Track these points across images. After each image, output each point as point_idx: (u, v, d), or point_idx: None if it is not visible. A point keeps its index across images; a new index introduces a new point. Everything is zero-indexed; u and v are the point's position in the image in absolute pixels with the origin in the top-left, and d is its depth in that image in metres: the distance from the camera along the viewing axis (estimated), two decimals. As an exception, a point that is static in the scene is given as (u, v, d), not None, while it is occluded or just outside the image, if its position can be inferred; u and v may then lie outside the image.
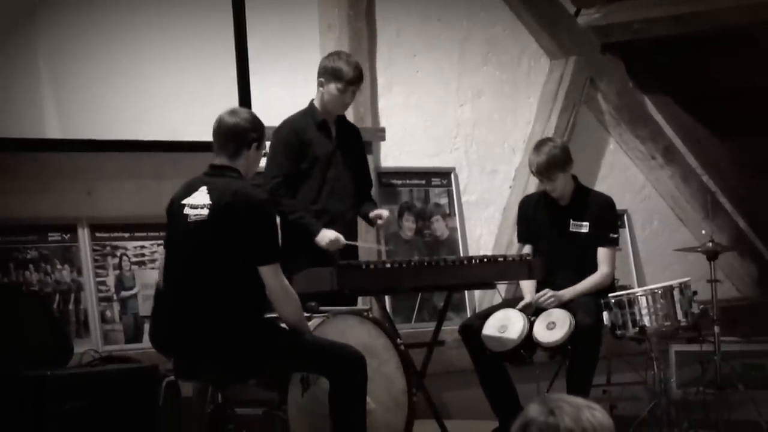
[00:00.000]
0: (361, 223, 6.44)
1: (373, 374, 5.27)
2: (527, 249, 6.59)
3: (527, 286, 6.49)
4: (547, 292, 6.35)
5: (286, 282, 4.99)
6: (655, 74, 8.90)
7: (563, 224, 6.55)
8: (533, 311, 6.38)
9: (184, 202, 5.00)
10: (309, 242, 5.98)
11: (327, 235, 5.95)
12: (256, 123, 5.08)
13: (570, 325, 6.20)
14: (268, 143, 6.16)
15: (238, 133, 5.01)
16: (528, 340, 6.26)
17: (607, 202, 6.64)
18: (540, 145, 6.53)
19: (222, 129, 5.04)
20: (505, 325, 6.29)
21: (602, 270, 6.50)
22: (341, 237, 5.97)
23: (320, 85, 6.15)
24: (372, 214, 6.19)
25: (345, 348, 5.08)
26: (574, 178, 6.59)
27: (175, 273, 5.01)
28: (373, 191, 7.24)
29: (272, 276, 4.90)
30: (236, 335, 4.87)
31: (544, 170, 6.39)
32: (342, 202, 6.18)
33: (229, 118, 5.04)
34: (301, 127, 6.12)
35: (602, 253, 6.52)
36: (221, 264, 4.88)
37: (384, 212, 6.21)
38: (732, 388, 6.64)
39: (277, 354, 4.98)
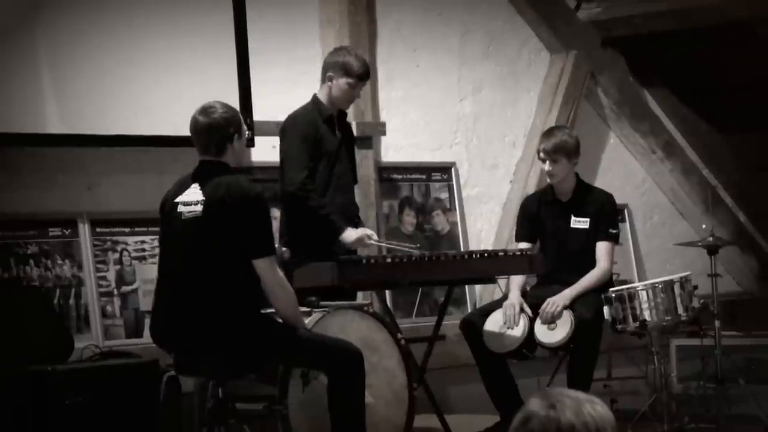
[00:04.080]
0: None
1: (373, 369, 5.28)
2: (523, 245, 6.57)
3: (516, 280, 6.48)
4: (547, 305, 6.31)
5: (281, 275, 4.99)
6: (656, 68, 8.90)
7: (565, 221, 6.56)
8: (529, 304, 6.38)
9: (177, 200, 4.99)
10: (311, 237, 5.99)
11: (353, 234, 5.96)
12: (229, 116, 5.01)
13: (571, 324, 6.21)
14: (283, 136, 6.18)
15: (215, 131, 4.97)
16: (529, 339, 6.26)
17: (607, 199, 6.66)
18: (553, 128, 6.77)
19: (199, 131, 4.99)
20: (506, 325, 6.31)
21: (601, 265, 6.50)
22: (367, 234, 5.98)
23: (329, 79, 6.14)
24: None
25: (343, 343, 5.08)
26: (576, 175, 6.61)
27: (172, 270, 5.00)
28: (374, 186, 7.27)
29: (267, 269, 4.89)
30: (233, 330, 4.87)
31: (551, 150, 6.42)
32: (345, 196, 6.20)
33: (203, 119, 4.98)
34: (314, 121, 6.12)
35: (601, 247, 6.53)
36: (217, 259, 4.87)
37: (373, 235, 6.22)
38: (732, 383, 6.64)
39: (275, 349, 4.98)
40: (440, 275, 6.06)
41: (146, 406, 5.60)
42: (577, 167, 6.60)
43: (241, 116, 5.12)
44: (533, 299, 6.43)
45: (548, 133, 6.60)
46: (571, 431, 2.42)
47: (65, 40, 6.16)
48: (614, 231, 6.59)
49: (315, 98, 6.21)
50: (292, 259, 5.67)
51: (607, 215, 6.61)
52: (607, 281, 6.52)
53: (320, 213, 6.00)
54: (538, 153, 6.60)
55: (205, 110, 5.01)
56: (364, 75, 6.14)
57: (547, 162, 6.48)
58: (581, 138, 6.68)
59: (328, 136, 6.14)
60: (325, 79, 6.16)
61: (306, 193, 5.94)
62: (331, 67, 6.14)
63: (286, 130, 6.14)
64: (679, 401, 6.61)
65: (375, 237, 6.07)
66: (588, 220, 6.55)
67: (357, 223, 6.22)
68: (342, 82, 6.11)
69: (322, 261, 5.75)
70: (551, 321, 6.28)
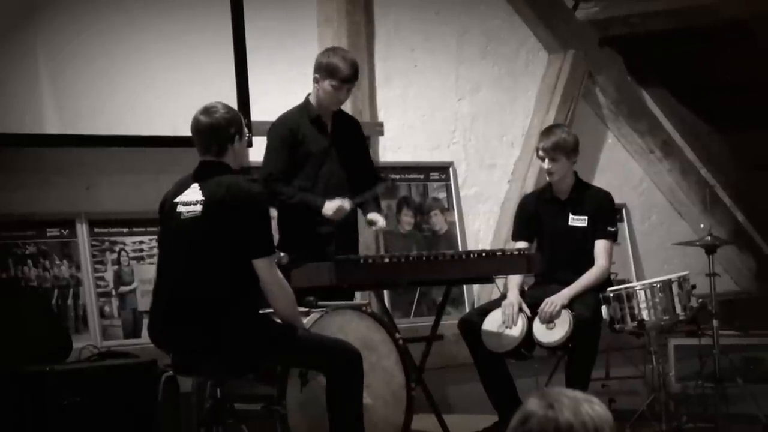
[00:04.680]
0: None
1: (372, 369, 5.28)
2: (520, 245, 6.57)
3: (514, 280, 6.48)
4: (546, 304, 6.31)
5: (281, 275, 4.99)
6: (654, 68, 8.90)
7: (563, 219, 6.56)
8: (528, 304, 6.38)
9: (176, 200, 4.99)
10: (307, 236, 5.98)
11: (331, 206, 5.95)
12: (231, 117, 5.02)
13: (569, 324, 6.20)
14: (266, 139, 6.17)
15: (217, 132, 4.97)
16: (527, 339, 6.26)
17: (605, 197, 6.66)
18: (552, 127, 6.77)
19: (200, 131, 4.99)
20: (505, 325, 6.31)
21: (599, 264, 6.50)
22: (345, 202, 5.97)
23: (315, 81, 6.13)
24: (368, 217, 6.18)
25: (341, 344, 5.08)
26: (575, 173, 6.61)
27: (171, 269, 5.00)
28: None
29: (266, 269, 4.89)
30: (232, 330, 4.87)
31: (550, 148, 6.43)
32: (340, 196, 6.16)
33: (205, 119, 4.98)
34: (295, 123, 6.12)
35: (600, 246, 6.52)
36: (216, 259, 4.87)
37: (380, 221, 6.20)
38: (730, 382, 6.64)
39: (273, 349, 4.98)
40: (438, 275, 6.06)
41: (144, 407, 5.59)
42: (575, 166, 6.60)
43: (242, 117, 5.13)
44: (532, 299, 6.43)
45: (547, 132, 6.60)
46: (569, 431, 2.42)
47: (63, 40, 6.16)
48: (612, 229, 6.59)
49: (306, 98, 6.21)
50: (290, 264, 5.67)
51: (606, 213, 6.61)
52: (606, 280, 6.52)
53: (291, 201, 6.01)
54: (537, 151, 6.60)
55: (206, 110, 5.02)
56: (348, 78, 6.08)
57: (546, 160, 6.48)
58: (579, 137, 6.68)
59: (312, 137, 6.12)
60: (313, 80, 6.15)
61: (271, 190, 5.92)
62: (318, 68, 6.12)
63: (268, 132, 6.16)
64: (678, 401, 6.61)
65: (347, 204, 6.03)
66: (586, 218, 6.54)
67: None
68: (326, 84, 6.08)
69: (318, 261, 5.75)
70: (550, 320, 6.28)
